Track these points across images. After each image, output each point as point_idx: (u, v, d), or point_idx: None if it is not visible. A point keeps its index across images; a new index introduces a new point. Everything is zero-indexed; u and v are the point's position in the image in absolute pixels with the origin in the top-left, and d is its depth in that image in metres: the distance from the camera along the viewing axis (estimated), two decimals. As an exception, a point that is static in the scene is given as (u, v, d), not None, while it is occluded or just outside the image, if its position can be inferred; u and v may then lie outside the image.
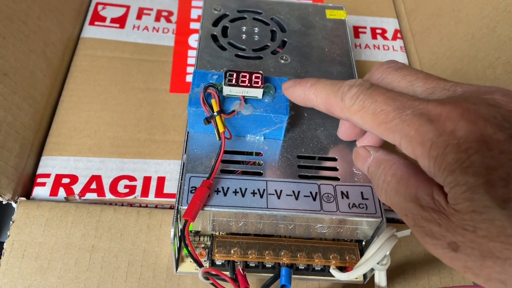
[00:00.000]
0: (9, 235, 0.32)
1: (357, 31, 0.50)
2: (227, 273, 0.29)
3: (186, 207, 0.27)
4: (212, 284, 0.27)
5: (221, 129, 0.29)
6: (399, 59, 0.44)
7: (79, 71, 0.43)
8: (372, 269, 0.30)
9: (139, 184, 0.36)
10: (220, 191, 0.29)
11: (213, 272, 0.27)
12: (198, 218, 0.28)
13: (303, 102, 0.28)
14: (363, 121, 0.23)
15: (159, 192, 0.36)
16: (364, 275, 0.32)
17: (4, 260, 0.31)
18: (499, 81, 0.36)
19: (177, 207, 0.28)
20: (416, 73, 0.24)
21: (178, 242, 0.30)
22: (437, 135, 0.20)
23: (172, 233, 0.27)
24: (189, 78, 0.44)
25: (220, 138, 0.29)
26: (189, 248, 0.26)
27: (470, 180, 0.18)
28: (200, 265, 0.26)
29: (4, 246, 0.32)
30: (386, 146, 0.28)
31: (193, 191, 0.28)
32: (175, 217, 0.27)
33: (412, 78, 0.24)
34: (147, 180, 0.37)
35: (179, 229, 0.28)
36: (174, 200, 0.36)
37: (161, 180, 0.37)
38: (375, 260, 0.27)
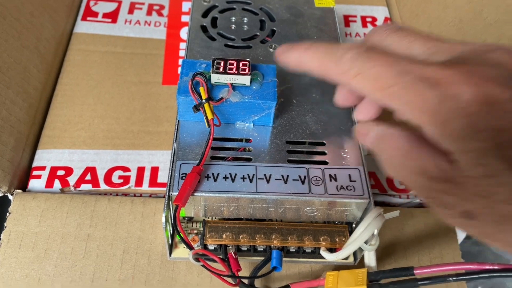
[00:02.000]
0: (6, 226, 0.33)
1: (347, 20, 0.50)
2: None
3: (176, 193, 0.28)
4: (204, 266, 0.28)
5: (209, 116, 0.30)
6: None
7: (72, 65, 0.44)
8: (362, 250, 0.31)
9: (133, 174, 0.37)
10: (210, 177, 0.29)
11: (204, 253, 0.27)
12: (189, 204, 0.29)
13: (298, 66, 0.26)
14: (361, 86, 0.22)
15: (153, 182, 0.37)
16: (355, 256, 0.32)
17: (2, 250, 0.32)
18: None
19: (168, 193, 0.28)
20: (415, 34, 0.23)
21: (170, 228, 0.31)
22: (441, 100, 0.19)
23: (163, 219, 0.28)
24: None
25: (209, 126, 0.30)
26: (180, 232, 0.27)
27: (479, 145, 0.18)
28: (190, 247, 0.27)
29: (1, 237, 0.32)
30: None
31: (183, 178, 0.29)
32: (166, 204, 0.28)
33: (411, 39, 0.22)
34: (141, 170, 0.37)
35: (171, 215, 0.29)
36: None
37: (154, 170, 0.37)
38: (362, 239, 0.28)
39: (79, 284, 0.31)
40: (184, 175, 0.29)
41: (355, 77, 0.22)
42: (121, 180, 0.36)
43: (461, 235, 0.35)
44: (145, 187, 0.36)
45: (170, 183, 0.29)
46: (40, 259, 0.32)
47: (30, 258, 0.32)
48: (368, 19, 0.50)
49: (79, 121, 0.40)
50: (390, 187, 0.38)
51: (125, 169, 0.37)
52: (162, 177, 0.37)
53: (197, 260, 0.27)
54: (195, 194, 0.28)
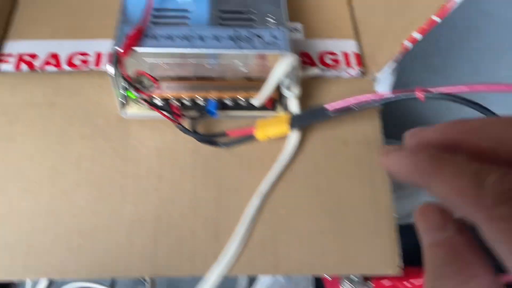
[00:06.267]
0: (-23, 98, 0.38)
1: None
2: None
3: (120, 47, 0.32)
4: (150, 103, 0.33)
5: (149, -19, 0.34)
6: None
7: None
8: (287, 99, 0.36)
9: (92, 58, 0.41)
10: (151, 37, 0.34)
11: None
12: (135, 62, 0.33)
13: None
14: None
15: (111, 63, 0.41)
16: (283, 107, 0.37)
17: (-24, 118, 0.37)
18: None
19: (113, 49, 0.33)
20: None
21: (123, 90, 0.36)
22: None
23: (110, 70, 0.33)
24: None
25: (149, -10, 0.35)
26: (122, 74, 0.32)
27: None
28: (135, 88, 0.32)
29: (-24, 106, 0.37)
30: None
31: (127, 37, 0.33)
32: (112, 58, 0.33)
33: None
34: (99, 54, 0.42)
35: (118, 70, 0.33)
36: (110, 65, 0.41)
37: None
38: (274, 79, 0.33)
39: (44, 142, 0.36)
40: (127, 35, 0.34)
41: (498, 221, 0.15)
42: (82, 63, 0.41)
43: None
44: (104, 67, 0.41)
45: (115, 41, 0.33)
46: (10, 123, 0.37)
47: (2, 122, 0.37)
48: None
49: (43, 18, 0.44)
50: (321, 62, 0.43)
51: (85, 54, 0.42)
52: (119, 60, 0.42)
53: (136, 91, 0.31)
54: (138, 50, 0.33)
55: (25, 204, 0.34)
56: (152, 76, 0.30)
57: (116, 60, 0.32)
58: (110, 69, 0.32)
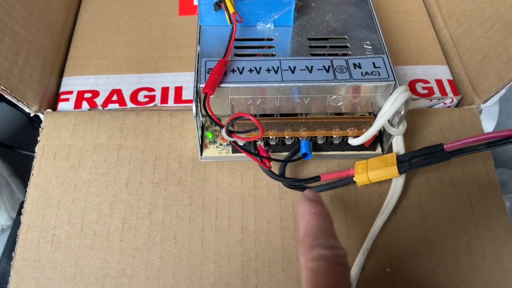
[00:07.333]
0: (39, 141, 0.34)
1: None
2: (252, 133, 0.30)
3: (204, 85, 0.28)
4: (235, 143, 0.28)
5: (231, 10, 0.30)
6: None
7: (91, 3, 0.45)
8: (389, 138, 0.31)
9: (157, 94, 0.38)
10: (236, 71, 0.30)
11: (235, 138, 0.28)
12: (217, 98, 0.29)
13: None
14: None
15: (178, 99, 0.37)
16: (382, 146, 0.32)
17: (37, 162, 0.33)
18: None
19: (196, 85, 0.29)
20: None
21: (200, 131, 0.32)
22: None
23: (194, 110, 0.28)
24: (196, 1, 0.45)
25: (231, 22, 0.30)
26: (211, 116, 0.27)
27: None
28: (221, 126, 0.27)
29: (35, 151, 0.33)
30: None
31: (209, 72, 0.29)
32: (195, 96, 0.29)
33: None
34: (165, 90, 0.38)
35: (201, 107, 0.29)
36: (193, 104, 0.37)
37: (178, 89, 0.38)
38: (389, 113, 0.28)
39: (114, 188, 0.32)
40: (209, 69, 0.29)
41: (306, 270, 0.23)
42: (147, 99, 0.37)
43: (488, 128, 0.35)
44: (171, 103, 0.37)
45: (196, 77, 0.29)
46: (75, 168, 0.33)
47: (65, 167, 0.33)
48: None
49: (102, 51, 0.41)
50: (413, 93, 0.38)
51: (150, 89, 0.38)
52: (186, 95, 0.38)
53: (229, 134, 0.27)
54: (222, 85, 0.29)
55: (94, 262, 0.30)
56: (255, 118, 0.25)
57: (205, 99, 0.27)
58: (194, 109, 0.28)
